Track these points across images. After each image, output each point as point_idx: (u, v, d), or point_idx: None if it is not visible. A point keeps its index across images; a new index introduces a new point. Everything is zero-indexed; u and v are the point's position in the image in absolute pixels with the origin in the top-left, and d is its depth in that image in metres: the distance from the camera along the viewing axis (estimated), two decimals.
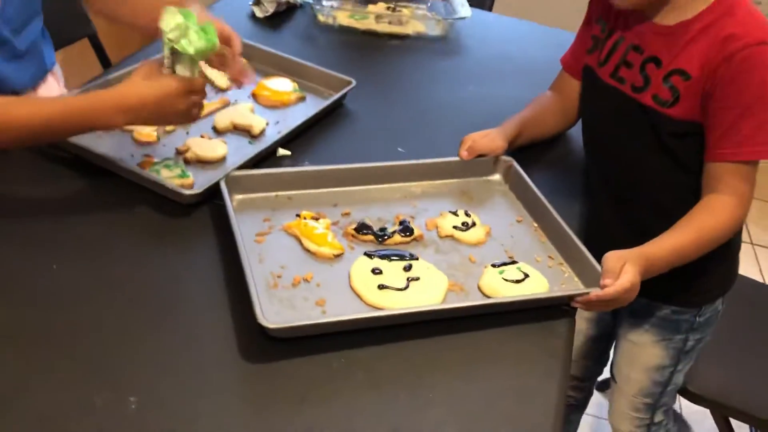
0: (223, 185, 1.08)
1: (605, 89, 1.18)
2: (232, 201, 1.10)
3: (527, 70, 1.68)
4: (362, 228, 1.09)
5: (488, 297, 1.01)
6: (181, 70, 1.02)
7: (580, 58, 1.27)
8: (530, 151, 1.35)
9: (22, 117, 0.98)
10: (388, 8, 1.86)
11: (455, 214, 1.15)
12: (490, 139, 1.24)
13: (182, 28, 0.99)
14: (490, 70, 1.69)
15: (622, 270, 0.98)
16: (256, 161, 1.20)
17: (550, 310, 1.01)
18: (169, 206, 1.08)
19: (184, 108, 1.02)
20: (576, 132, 1.35)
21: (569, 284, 1.06)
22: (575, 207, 1.24)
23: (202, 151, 1.19)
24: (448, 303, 0.98)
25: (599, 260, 1.01)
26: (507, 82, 1.62)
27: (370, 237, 1.08)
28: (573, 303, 1.00)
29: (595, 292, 0.98)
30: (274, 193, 1.14)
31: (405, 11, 1.86)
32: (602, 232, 1.23)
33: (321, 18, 1.77)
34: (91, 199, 1.09)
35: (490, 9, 2.30)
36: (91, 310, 0.91)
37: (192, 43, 1.00)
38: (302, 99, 1.42)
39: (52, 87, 1.25)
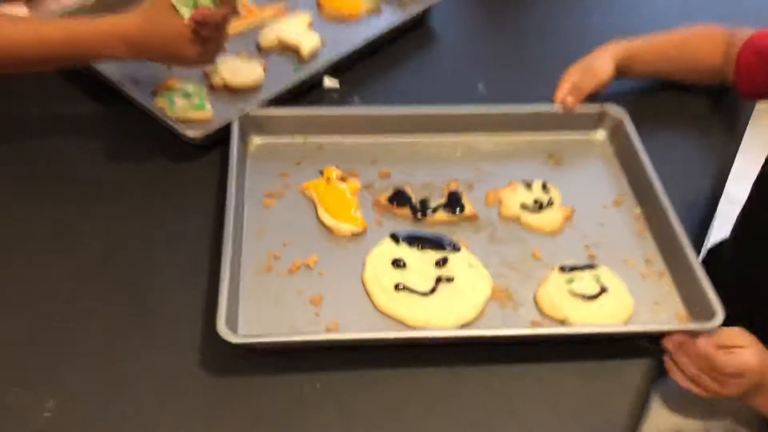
0: (234, 126, 0.88)
1: None
2: (249, 146, 0.90)
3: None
4: (398, 197, 0.85)
5: (543, 315, 0.75)
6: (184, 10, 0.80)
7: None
8: (660, 103, 1.02)
9: (13, 35, 0.82)
10: None
11: (528, 186, 0.88)
12: (597, 66, 0.94)
13: None
14: None
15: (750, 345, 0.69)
16: (297, 93, 0.98)
17: (623, 345, 0.74)
18: (177, 147, 0.90)
19: (194, 55, 0.81)
20: None
21: (666, 308, 0.77)
22: (700, 204, 0.91)
23: (232, 75, 0.98)
24: (467, 328, 0.73)
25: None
26: (650, 13, 1.23)
27: (406, 211, 0.84)
28: (664, 342, 0.72)
29: (704, 341, 0.69)
30: (302, 139, 0.92)
31: None
32: (745, 289, 0.85)
33: None
34: (92, 126, 0.94)
35: None
36: (36, 270, 0.77)
37: None
38: (376, 11, 1.16)
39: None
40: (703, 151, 0.98)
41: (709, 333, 0.70)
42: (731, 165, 0.98)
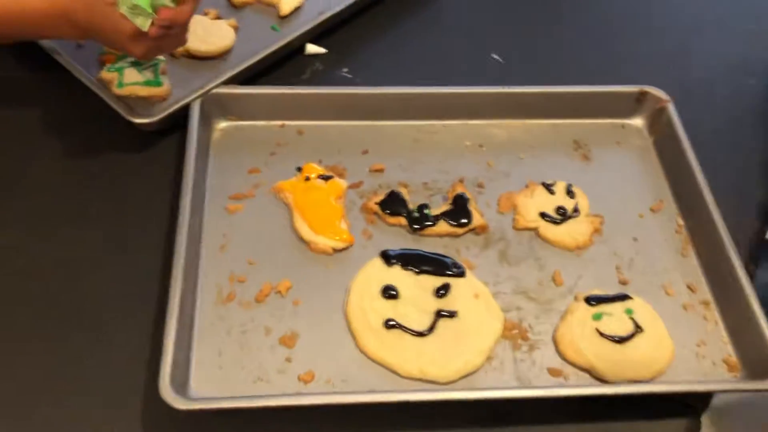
0: (194, 108, 0.72)
1: None
2: (212, 132, 0.75)
3: None
4: (391, 203, 0.70)
5: (565, 360, 0.62)
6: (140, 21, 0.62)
7: None
8: (714, 89, 0.86)
9: None
10: None
11: (549, 188, 0.73)
12: None
13: None
14: None
15: None
16: (274, 61, 0.82)
17: (659, 402, 0.61)
18: (126, 132, 0.74)
19: (141, 51, 0.65)
20: None
21: (712, 350, 0.64)
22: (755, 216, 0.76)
23: (197, 40, 0.81)
24: (471, 381, 0.59)
25: None
26: None
27: (402, 219, 0.69)
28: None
29: None
30: (278, 122, 0.76)
31: None
32: None
33: None
34: (19, 100, 0.77)
35: None
36: None
37: None
38: None
39: None
40: (760, 149, 0.82)
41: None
42: None
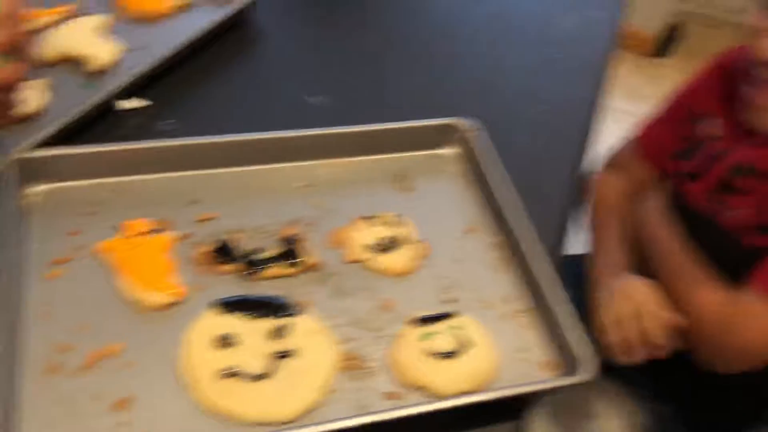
0: (5, 176, 0.69)
1: (695, 217, 0.88)
2: (25, 198, 0.72)
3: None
4: (223, 250, 0.71)
5: (401, 383, 0.65)
6: None
7: (664, 150, 0.96)
8: (516, 115, 0.95)
9: None
10: None
11: (374, 221, 0.77)
12: None
13: None
14: None
15: None
16: (90, 119, 0.80)
17: (489, 408, 0.66)
18: None
19: None
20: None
21: (533, 355, 0.70)
22: (561, 226, 0.84)
23: None
24: (314, 416, 0.61)
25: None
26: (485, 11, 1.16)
27: (234, 266, 0.70)
28: None
29: None
30: (96, 181, 0.75)
31: None
32: None
33: None
34: None
35: None
36: None
37: None
38: (186, 7, 0.98)
39: None
40: (557, 159, 0.91)
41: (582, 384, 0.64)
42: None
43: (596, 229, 0.98)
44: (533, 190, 0.82)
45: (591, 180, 1.01)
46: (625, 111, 2.35)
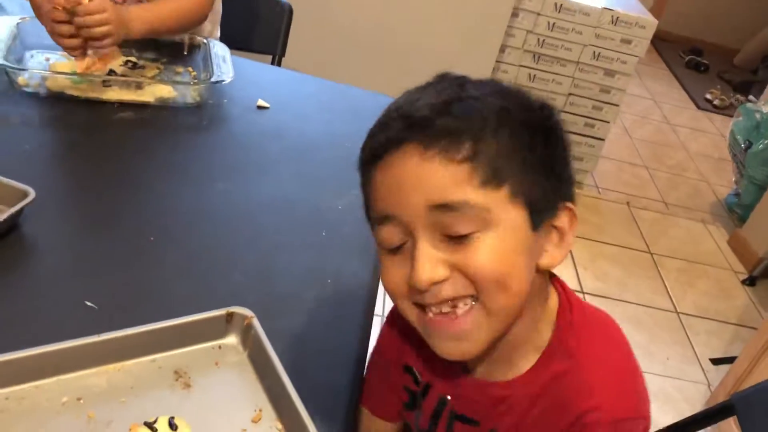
0: None
1: None
2: None
3: (305, 148, 1.33)
4: None
5: None
6: None
7: (392, 404, 0.91)
8: (291, 295, 0.99)
9: None
10: (128, 63, 1.42)
11: (152, 426, 0.75)
12: None
13: None
14: (254, 152, 1.31)
15: None
16: None
17: None
18: None
19: None
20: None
21: None
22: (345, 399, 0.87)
23: None
24: None
25: None
26: (270, 174, 1.25)
27: None
28: None
29: None
30: None
31: (148, 70, 1.43)
32: None
33: (22, 81, 1.30)
34: None
35: (278, 62, 1.91)
36: None
37: None
38: None
39: None
40: (340, 335, 0.96)
41: None
42: (367, 343, 0.98)
43: None
44: (317, 369, 0.85)
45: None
46: None
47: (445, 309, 0.71)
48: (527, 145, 0.69)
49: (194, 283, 0.97)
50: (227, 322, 0.87)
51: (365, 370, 0.94)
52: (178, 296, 0.94)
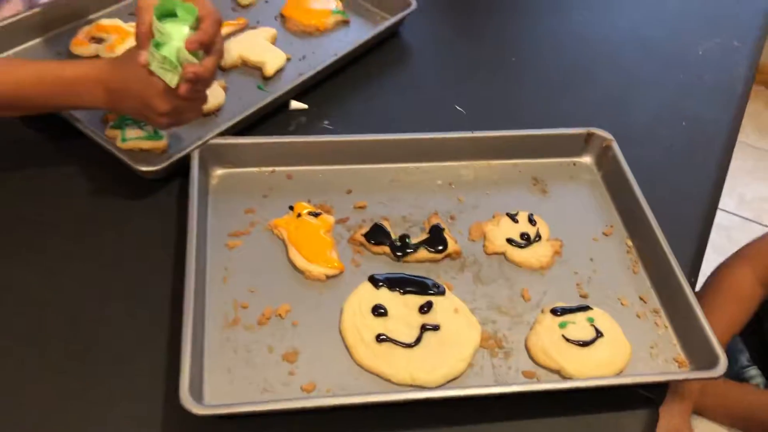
0: (194, 158, 0.80)
1: None
2: (209, 179, 0.83)
3: None
4: (375, 234, 0.78)
5: (537, 364, 0.70)
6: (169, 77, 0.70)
7: None
8: (648, 129, 0.98)
9: None
10: None
11: (514, 218, 0.82)
12: None
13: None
14: None
15: None
16: (262, 116, 0.91)
17: (621, 394, 0.69)
18: (130, 180, 0.81)
19: (167, 108, 0.72)
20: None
21: (664, 351, 0.72)
22: (692, 233, 0.86)
23: None
24: (456, 383, 0.67)
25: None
26: (627, 8, 1.20)
27: (385, 248, 0.78)
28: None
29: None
30: (268, 169, 0.85)
31: None
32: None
33: None
34: (34, 157, 0.84)
35: None
36: None
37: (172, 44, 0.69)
38: (344, 23, 1.09)
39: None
40: (692, 179, 0.93)
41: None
42: (720, 192, 0.94)
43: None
44: (665, 204, 0.85)
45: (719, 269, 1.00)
46: (756, 147, 2.28)
47: None
48: None
49: (551, 103, 1.00)
50: (585, 142, 0.90)
51: None
52: (537, 114, 0.98)
